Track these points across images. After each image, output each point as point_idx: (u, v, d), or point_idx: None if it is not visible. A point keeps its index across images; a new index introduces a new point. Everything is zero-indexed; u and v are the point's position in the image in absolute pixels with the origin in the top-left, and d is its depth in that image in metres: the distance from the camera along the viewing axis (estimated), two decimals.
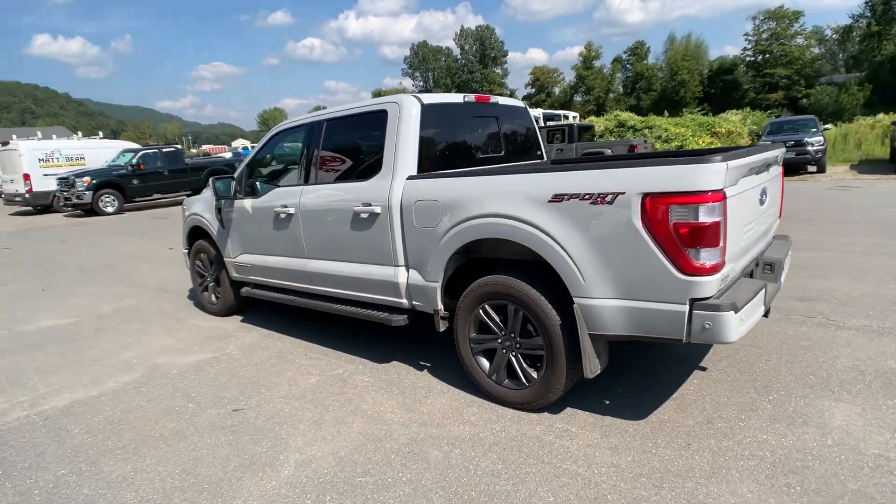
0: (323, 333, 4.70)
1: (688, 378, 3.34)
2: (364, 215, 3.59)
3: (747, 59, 49.46)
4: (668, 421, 2.86)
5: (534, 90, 78.61)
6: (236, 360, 4.21)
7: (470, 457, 2.67)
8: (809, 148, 14.19)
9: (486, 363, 3.22)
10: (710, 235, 2.34)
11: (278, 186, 4.43)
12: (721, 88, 52.27)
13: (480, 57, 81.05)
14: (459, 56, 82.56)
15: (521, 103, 4.59)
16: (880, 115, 22.94)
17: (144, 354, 4.50)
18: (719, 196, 2.33)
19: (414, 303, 3.52)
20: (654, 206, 2.40)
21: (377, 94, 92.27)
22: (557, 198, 2.68)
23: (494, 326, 3.11)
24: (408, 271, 3.49)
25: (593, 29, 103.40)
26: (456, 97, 3.90)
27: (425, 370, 3.77)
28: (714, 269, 2.38)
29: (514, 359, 3.07)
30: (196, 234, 5.51)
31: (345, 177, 3.93)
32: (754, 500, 2.20)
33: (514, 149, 4.39)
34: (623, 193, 2.48)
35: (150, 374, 4.07)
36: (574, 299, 2.70)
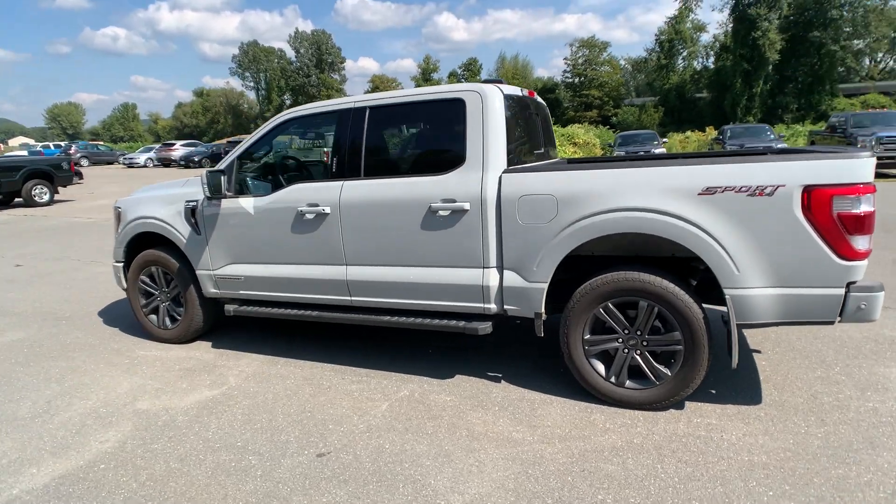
0: (334, 351, 4.08)
1: (756, 362, 3.58)
2: (444, 213, 3.19)
3: (566, 80, 55.93)
4: (782, 402, 3.03)
5: None
6: (255, 395, 3.43)
7: (649, 465, 2.51)
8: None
9: (600, 366, 3.08)
10: (868, 223, 2.53)
11: (297, 181, 3.73)
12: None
13: (317, 61, 78.76)
14: (295, 59, 79.24)
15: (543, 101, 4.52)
16: (688, 133, 27.81)
17: (111, 401, 3.43)
18: (872, 188, 2.53)
19: (506, 307, 3.22)
20: (817, 197, 2.53)
21: (200, 93, 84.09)
22: (709, 190, 2.68)
23: (617, 325, 2.99)
24: (501, 273, 3.18)
25: (422, 43, 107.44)
26: (515, 89, 3.70)
27: (503, 381, 3.48)
28: (867, 255, 2.58)
29: (639, 357, 2.98)
30: (142, 243, 4.38)
31: (407, 170, 3.46)
32: None
33: (549, 144, 4.31)
34: (783, 186, 2.57)
35: (143, 424, 3.11)
36: (725, 291, 2.71)
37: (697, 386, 2.91)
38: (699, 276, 3.18)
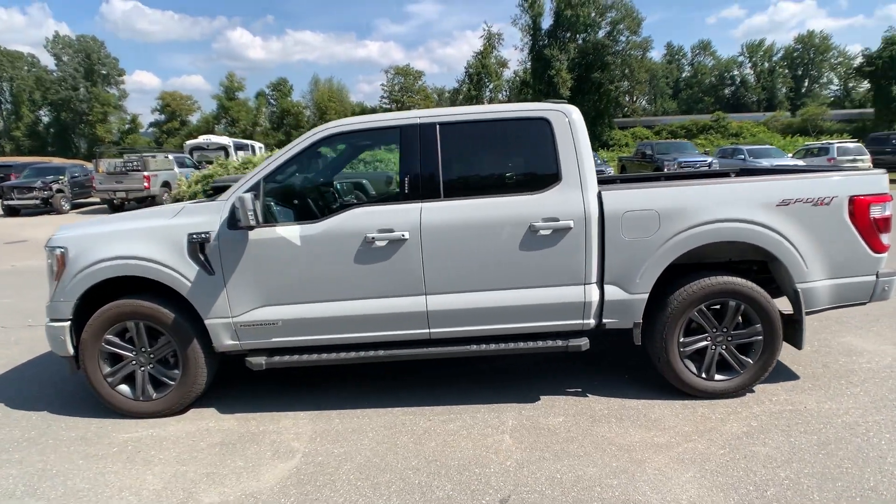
0: (373, 394, 3.67)
1: None
2: (545, 231, 3.17)
3: (383, 106, 57.52)
4: (813, 374, 3.67)
5: (164, 116, 70.35)
6: (349, 456, 2.91)
7: (786, 440, 2.85)
8: None
9: (692, 365, 3.37)
10: (890, 224, 3.28)
11: (351, 205, 3.29)
12: None
13: (86, 72, 67.24)
14: (55, 68, 66.41)
15: None
16: None
17: (160, 502, 2.58)
18: (891, 196, 3.30)
19: (605, 321, 3.32)
20: (859, 204, 3.20)
21: None
22: (785, 202, 3.18)
23: (707, 325, 3.31)
24: (601, 288, 3.27)
25: (213, 59, 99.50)
26: None
27: (589, 394, 3.54)
28: (888, 248, 3.33)
29: (724, 352, 3.34)
30: (106, 291, 3.37)
31: (492, 189, 3.32)
32: None
33: None
34: (836, 196, 3.20)
35: None
36: (797, 285, 3.23)
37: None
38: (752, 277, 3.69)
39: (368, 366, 4.01)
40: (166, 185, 19.85)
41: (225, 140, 27.94)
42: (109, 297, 3.39)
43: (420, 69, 57.76)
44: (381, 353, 3.35)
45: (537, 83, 42.61)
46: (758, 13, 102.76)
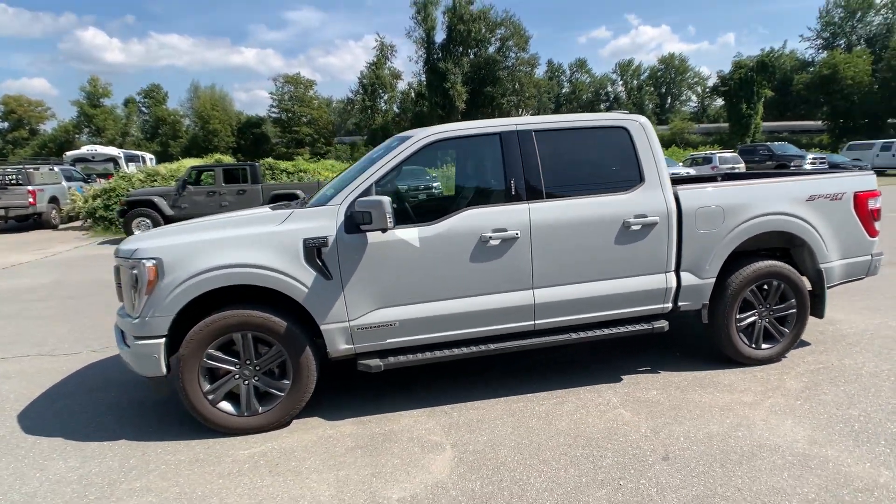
0: (450, 389, 3.84)
1: None
2: (636, 227, 3.60)
3: (272, 115, 55.25)
4: (818, 339, 4.46)
5: (7, 124, 61.59)
6: (500, 442, 3.08)
7: (848, 390, 3.51)
8: None
9: (743, 336, 3.96)
10: (880, 214, 4.13)
11: (466, 207, 3.46)
12: (251, 140, 56.08)
13: None
14: None
15: None
16: None
17: None
18: (880, 192, 4.15)
19: (680, 304, 3.80)
20: (860, 199, 4.02)
21: None
22: (812, 198, 3.91)
23: (756, 302, 3.93)
24: (678, 275, 3.75)
25: (60, 61, 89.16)
26: None
27: (661, 371, 3.99)
28: (879, 233, 4.18)
29: (768, 325, 3.99)
30: (209, 302, 3.21)
31: (585, 190, 3.65)
32: None
33: None
34: (846, 192, 3.98)
35: None
36: (820, 265, 3.97)
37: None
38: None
39: (439, 365, 4.14)
40: (54, 200, 17.75)
41: (113, 151, 25.47)
42: (196, 312, 3.23)
43: (311, 78, 56.63)
44: (491, 346, 3.54)
45: (433, 95, 43.67)
46: (622, 35, 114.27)
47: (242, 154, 49.75)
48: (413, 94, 49.96)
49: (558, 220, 3.52)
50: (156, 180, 17.32)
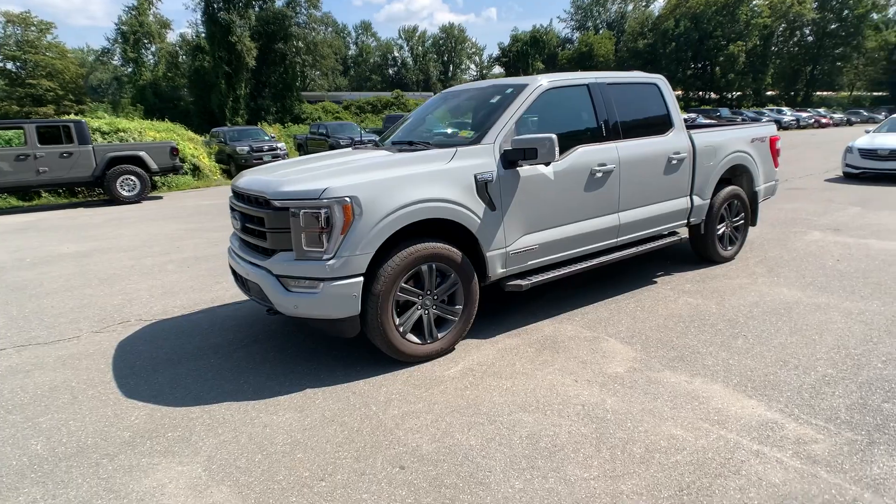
0: (537, 308, 4.63)
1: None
2: (675, 161, 4.72)
3: None
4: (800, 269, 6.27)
5: None
6: (663, 344, 3.93)
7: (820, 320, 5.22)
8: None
9: (719, 242, 5.45)
10: (779, 152, 5.99)
11: (576, 145, 4.11)
12: None
13: None
14: None
15: None
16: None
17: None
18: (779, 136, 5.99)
19: (691, 220, 5.08)
20: (773, 140, 5.81)
21: None
22: (753, 140, 5.53)
23: (726, 215, 5.45)
24: (691, 198, 5.00)
25: None
26: None
27: (672, 273, 5.26)
28: (779, 165, 6.04)
29: (730, 231, 5.55)
30: (400, 236, 3.34)
31: (641, 132, 4.57)
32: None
33: None
34: (767, 136, 5.72)
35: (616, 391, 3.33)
36: (756, 187, 5.66)
37: None
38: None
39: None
40: None
41: None
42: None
43: (49, 20, 44.77)
44: (593, 262, 4.33)
45: (216, 49, 38.65)
46: (396, 1, 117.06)
47: None
48: (190, 47, 43.77)
49: (635, 156, 4.43)
50: None
